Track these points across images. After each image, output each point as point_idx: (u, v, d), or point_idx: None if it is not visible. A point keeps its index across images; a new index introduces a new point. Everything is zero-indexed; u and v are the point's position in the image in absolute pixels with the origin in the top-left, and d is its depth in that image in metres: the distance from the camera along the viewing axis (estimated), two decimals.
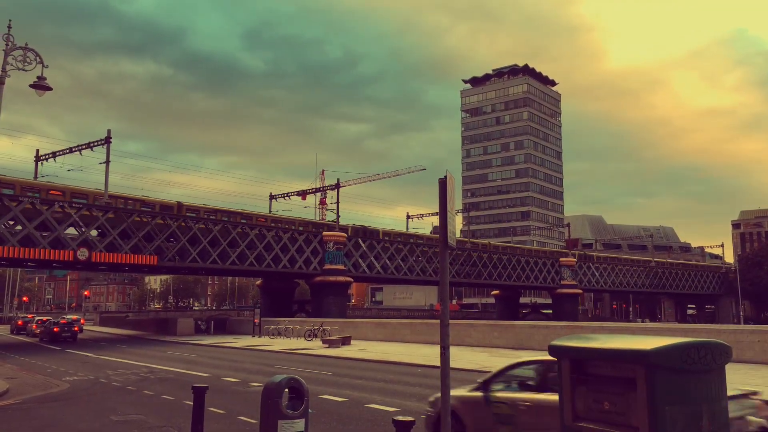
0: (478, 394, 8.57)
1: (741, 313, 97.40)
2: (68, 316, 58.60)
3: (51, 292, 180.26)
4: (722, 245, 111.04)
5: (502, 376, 8.76)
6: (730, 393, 7.33)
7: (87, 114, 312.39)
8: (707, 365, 4.16)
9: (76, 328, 45.51)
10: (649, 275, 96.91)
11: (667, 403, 3.99)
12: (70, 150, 46.92)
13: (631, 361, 4.16)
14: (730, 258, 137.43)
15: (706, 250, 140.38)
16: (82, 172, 50.63)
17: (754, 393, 7.73)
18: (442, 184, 6.34)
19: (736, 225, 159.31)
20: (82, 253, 39.66)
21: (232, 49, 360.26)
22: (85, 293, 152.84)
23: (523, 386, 8.31)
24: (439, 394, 7.54)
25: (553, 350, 4.76)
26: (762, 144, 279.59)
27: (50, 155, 47.61)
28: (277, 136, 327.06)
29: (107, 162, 44.74)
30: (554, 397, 6.79)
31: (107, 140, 44.90)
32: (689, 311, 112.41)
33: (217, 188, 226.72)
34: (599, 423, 4.35)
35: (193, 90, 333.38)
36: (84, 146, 45.83)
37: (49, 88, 19.89)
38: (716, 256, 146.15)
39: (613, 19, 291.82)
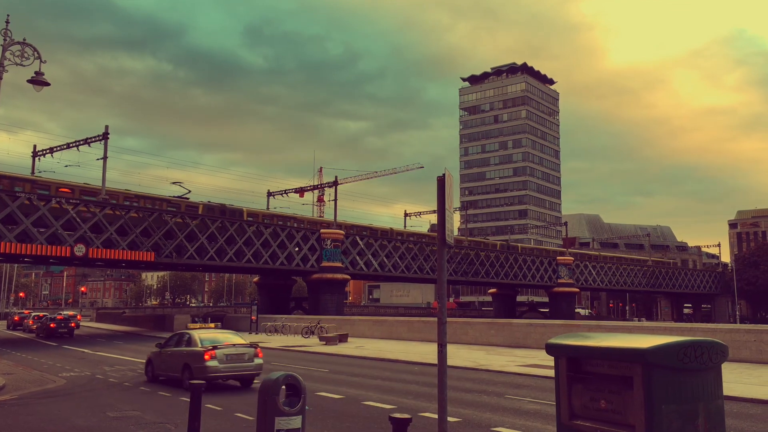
0: (158, 349, 17.74)
1: (737, 313, 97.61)
2: (65, 312, 58.55)
3: (48, 288, 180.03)
4: (719, 245, 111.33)
5: (169, 341, 17.64)
6: (245, 342, 16.94)
7: (86, 109, 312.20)
8: (704, 364, 4.16)
9: (72, 324, 45.49)
10: (646, 274, 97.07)
11: (663, 401, 4.00)
12: (68, 146, 46.74)
13: (628, 359, 4.17)
14: (726, 257, 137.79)
15: (703, 249, 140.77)
16: (80, 168, 49.99)
17: (258, 344, 17.15)
18: (441, 182, 6.34)
19: (732, 225, 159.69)
20: (79, 249, 39.60)
21: (232, 45, 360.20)
22: (82, 289, 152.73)
23: (172, 345, 17.25)
24: (154, 348, 18.31)
25: (550, 348, 4.77)
26: (761, 143, 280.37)
27: (47, 151, 47.45)
28: (276, 133, 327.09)
29: (104, 158, 44.64)
30: (179, 348, 16.77)
31: (105, 136, 44.76)
32: (686, 310, 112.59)
33: (215, 185, 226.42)
34: (596, 421, 4.36)
35: (193, 86, 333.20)
36: (81, 142, 45.67)
37: (47, 84, 19.84)
38: (713, 256, 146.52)
39: (614, 17, 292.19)
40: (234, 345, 16.19)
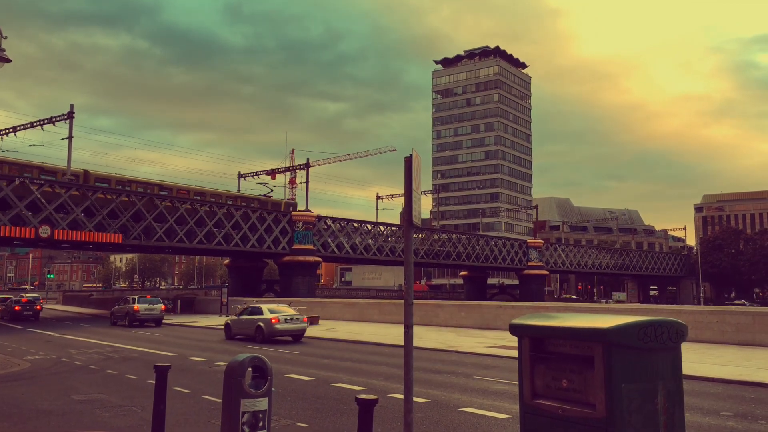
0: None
1: (701, 295, 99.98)
2: (29, 295, 57.51)
3: (13, 271, 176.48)
4: (684, 228, 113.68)
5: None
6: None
7: (57, 87, 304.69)
8: (663, 344, 4.22)
9: (38, 307, 44.71)
10: (614, 257, 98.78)
11: (623, 380, 4.05)
12: (32, 125, 45.64)
13: (589, 339, 4.20)
14: (692, 241, 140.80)
15: (670, 233, 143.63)
16: (45, 148, 49.00)
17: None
18: (408, 163, 6.29)
19: (698, 209, 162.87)
20: (45, 231, 38.79)
21: (210, 23, 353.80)
22: (48, 272, 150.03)
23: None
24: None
25: (513, 329, 4.79)
26: (732, 129, 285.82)
27: (10, 130, 46.25)
28: (254, 113, 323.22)
29: (70, 138, 43.70)
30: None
31: (70, 115, 43.79)
32: (652, 292, 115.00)
33: (189, 167, 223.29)
34: (557, 400, 4.40)
35: (169, 64, 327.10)
36: (46, 121, 44.65)
37: (8, 60, 19.20)
38: (679, 239, 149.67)
39: (593, 3, 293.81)
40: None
